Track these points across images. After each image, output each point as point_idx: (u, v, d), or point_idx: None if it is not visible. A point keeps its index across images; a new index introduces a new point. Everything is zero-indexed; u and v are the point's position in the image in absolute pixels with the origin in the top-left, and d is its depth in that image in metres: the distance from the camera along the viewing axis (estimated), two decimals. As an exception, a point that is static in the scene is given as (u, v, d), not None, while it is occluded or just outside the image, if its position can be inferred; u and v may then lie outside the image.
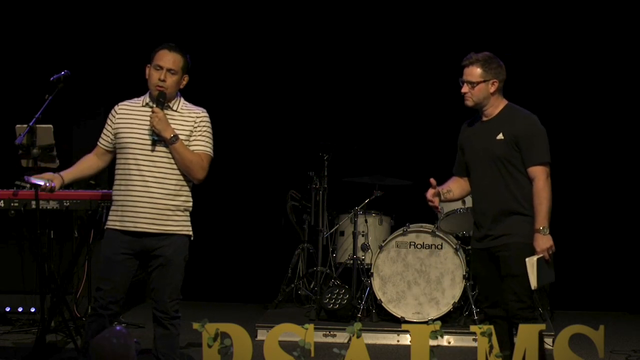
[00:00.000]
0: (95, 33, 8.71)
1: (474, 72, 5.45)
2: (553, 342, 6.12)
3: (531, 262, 5.24)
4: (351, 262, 7.95)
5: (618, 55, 8.69)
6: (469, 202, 7.69)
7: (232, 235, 9.12)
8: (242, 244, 9.10)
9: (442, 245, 7.66)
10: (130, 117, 5.44)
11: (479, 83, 5.44)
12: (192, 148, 5.41)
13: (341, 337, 7.25)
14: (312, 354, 4.56)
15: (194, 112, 5.51)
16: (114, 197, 5.45)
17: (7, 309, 7.80)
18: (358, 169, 8.35)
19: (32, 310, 7.72)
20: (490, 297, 5.46)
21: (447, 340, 7.38)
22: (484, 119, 5.52)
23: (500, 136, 5.37)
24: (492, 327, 4.66)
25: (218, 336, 4.62)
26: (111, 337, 3.95)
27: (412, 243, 7.69)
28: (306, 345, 4.54)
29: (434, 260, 7.64)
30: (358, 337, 4.56)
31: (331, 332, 7.44)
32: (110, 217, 5.46)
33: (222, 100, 9.11)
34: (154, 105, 5.40)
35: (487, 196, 5.40)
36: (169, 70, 5.41)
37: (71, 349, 6.73)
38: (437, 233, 7.67)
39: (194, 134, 5.45)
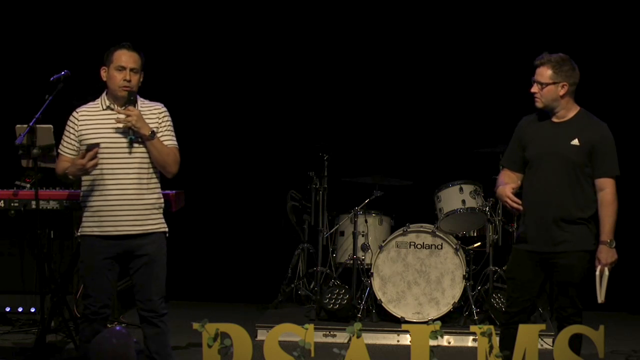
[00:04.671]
0: (95, 33, 8.71)
1: (545, 73, 5.34)
2: (553, 342, 6.12)
3: (601, 275, 5.22)
4: (351, 262, 7.95)
5: None
6: (468, 202, 7.70)
7: (232, 236, 9.11)
8: (242, 244, 9.10)
9: (442, 246, 7.65)
10: (94, 123, 5.44)
11: (548, 85, 5.33)
12: None
13: (341, 337, 7.24)
14: (312, 354, 4.56)
15: (155, 108, 5.56)
16: (88, 204, 5.44)
17: (7, 309, 7.80)
18: (358, 169, 8.34)
19: (32, 310, 7.71)
20: (522, 301, 5.40)
21: (447, 340, 7.37)
22: (555, 120, 5.41)
23: (575, 141, 5.29)
24: (492, 327, 4.65)
25: (218, 336, 4.62)
26: (111, 337, 3.95)
27: (412, 243, 7.68)
28: (306, 345, 4.54)
29: (434, 260, 7.64)
30: (358, 337, 4.56)
31: (331, 332, 7.44)
32: (85, 224, 5.46)
33: (222, 101, 9.12)
34: (123, 107, 5.41)
35: (551, 199, 5.31)
36: (132, 69, 5.44)
37: (71, 349, 6.73)
38: (437, 233, 7.66)
39: (160, 129, 5.49)
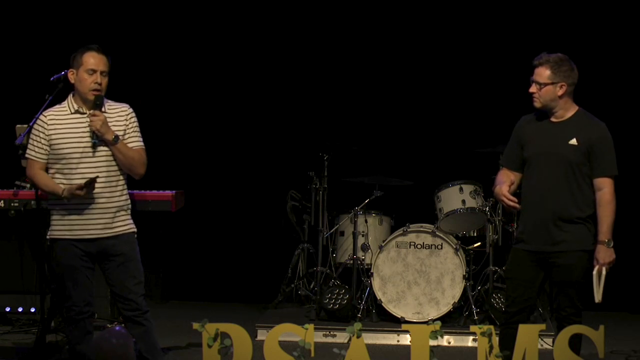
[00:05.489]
0: (95, 33, 8.71)
1: (543, 73, 5.34)
2: (553, 342, 6.12)
3: (599, 274, 5.22)
4: (351, 262, 7.94)
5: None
6: (468, 202, 7.70)
7: (232, 236, 9.11)
8: (242, 244, 9.10)
9: (442, 246, 7.65)
10: (63, 127, 5.44)
11: (546, 85, 5.33)
12: (128, 145, 5.48)
13: (341, 337, 7.24)
14: (312, 354, 4.56)
15: (122, 110, 5.55)
16: (57, 208, 5.45)
17: (7, 309, 7.79)
18: (358, 169, 8.34)
19: (32, 310, 7.71)
20: (521, 301, 5.39)
21: (447, 340, 7.37)
22: (554, 120, 5.41)
23: (573, 141, 5.29)
24: (492, 327, 4.65)
25: (218, 336, 4.62)
26: (111, 337, 3.95)
27: (412, 243, 7.68)
28: (306, 345, 4.54)
29: (434, 260, 7.64)
30: (358, 337, 4.56)
31: (331, 332, 7.44)
32: (56, 227, 5.47)
33: (223, 101, 9.12)
34: (89, 110, 5.41)
35: (549, 198, 5.31)
36: (101, 72, 5.44)
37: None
38: (437, 233, 7.66)
39: (127, 131, 5.49)
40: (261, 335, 7.22)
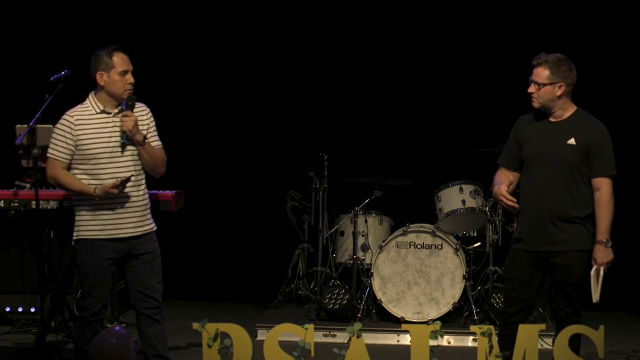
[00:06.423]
0: (95, 33, 8.71)
1: (542, 73, 5.34)
2: (553, 342, 6.12)
3: (597, 274, 5.22)
4: (351, 262, 7.95)
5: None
6: (468, 202, 7.70)
7: (232, 236, 9.11)
8: (242, 244, 9.09)
9: (442, 246, 7.65)
10: (90, 127, 5.45)
11: (545, 85, 5.33)
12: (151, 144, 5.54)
13: (341, 337, 7.24)
14: (312, 354, 4.57)
15: (142, 110, 5.59)
16: (86, 207, 5.44)
17: (7, 309, 7.80)
18: (358, 169, 8.34)
19: (32, 310, 7.71)
20: (520, 301, 5.39)
21: (447, 340, 7.37)
22: (552, 120, 5.41)
23: (571, 141, 5.30)
24: (492, 327, 4.66)
25: (218, 336, 4.63)
26: (111, 337, 3.95)
27: (412, 243, 7.69)
28: (306, 345, 4.55)
29: (434, 260, 7.64)
30: (358, 337, 4.57)
31: (331, 332, 7.44)
32: (84, 227, 5.46)
33: (223, 101, 9.12)
34: (118, 110, 5.44)
35: (548, 198, 5.31)
36: (132, 72, 5.47)
37: (71, 349, 6.72)
38: (437, 233, 7.66)
39: (149, 130, 5.54)
40: (261, 335, 7.23)
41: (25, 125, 6.04)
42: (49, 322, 6.64)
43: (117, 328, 4.04)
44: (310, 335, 4.56)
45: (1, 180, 6.98)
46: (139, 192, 5.48)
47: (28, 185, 6.70)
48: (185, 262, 9.02)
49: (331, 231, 8.19)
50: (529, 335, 4.64)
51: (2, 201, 6.56)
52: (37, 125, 6.05)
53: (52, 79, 5.95)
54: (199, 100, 9.09)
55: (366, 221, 8.02)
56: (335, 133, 8.67)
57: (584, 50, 8.44)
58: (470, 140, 8.50)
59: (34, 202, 6.17)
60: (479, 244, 8.01)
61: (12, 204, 6.55)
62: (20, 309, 7.79)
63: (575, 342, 4.89)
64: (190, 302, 8.89)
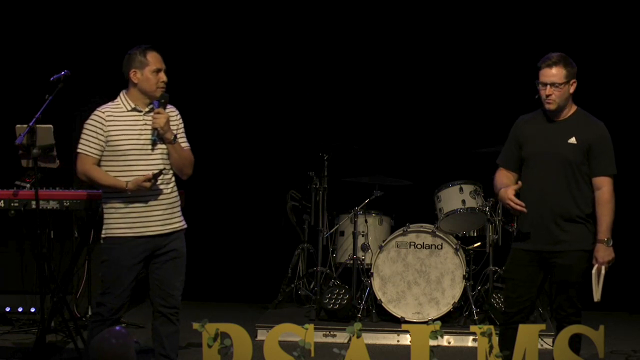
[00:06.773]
0: (95, 33, 8.71)
1: (559, 73, 5.29)
2: (553, 342, 6.12)
3: (598, 273, 5.21)
4: (351, 262, 7.95)
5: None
6: (468, 202, 7.70)
7: (232, 235, 9.11)
8: (242, 244, 9.10)
9: (442, 246, 7.65)
10: (121, 124, 5.45)
11: (564, 84, 5.28)
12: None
13: (341, 337, 7.24)
14: (312, 354, 4.56)
15: (173, 111, 5.63)
16: (116, 205, 5.42)
17: (7, 309, 7.80)
18: (358, 169, 8.34)
19: (32, 310, 7.72)
20: (520, 302, 5.38)
21: (447, 340, 7.37)
22: (553, 119, 5.39)
23: (572, 140, 5.29)
24: (492, 327, 4.66)
25: (218, 336, 4.62)
26: (111, 337, 3.94)
27: (412, 243, 7.69)
28: (306, 345, 4.55)
29: (434, 260, 7.64)
30: (358, 337, 4.56)
31: (331, 332, 7.44)
32: (113, 224, 5.44)
33: (223, 101, 9.12)
34: (149, 108, 5.47)
35: (549, 198, 5.30)
36: (165, 71, 5.50)
37: (71, 349, 6.73)
38: (437, 233, 7.66)
39: (178, 132, 5.56)
40: (261, 335, 7.23)
41: (25, 125, 6.04)
42: (49, 322, 6.64)
43: (117, 328, 4.04)
44: (310, 335, 4.56)
45: (1, 180, 6.98)
46: (167, 190, 5.47)
47: (28, 185, 6.71)
48: (185, 262, 9.01)
49: (331, 231, 8.19)
50: (529, 335, 4.64)
51: (2, 201, 6.56)
52: (37, 125, 6.06)
53: (52, 79, 5.95)
54: (199, 101, 9.08)
55: (366, 221, 8.02)
56: (336, 133, 8.67)
57: (584, 50, 8.43)
58: (470, 140, 8.50)
59: (34, 202, 6.17)
60: (479, 244, 8.01)
61: (12, 204, 6.56)
62: (20, 309, 7.80)
63: (576, 342, 4.89)
64: (190, 302, 8.87)
